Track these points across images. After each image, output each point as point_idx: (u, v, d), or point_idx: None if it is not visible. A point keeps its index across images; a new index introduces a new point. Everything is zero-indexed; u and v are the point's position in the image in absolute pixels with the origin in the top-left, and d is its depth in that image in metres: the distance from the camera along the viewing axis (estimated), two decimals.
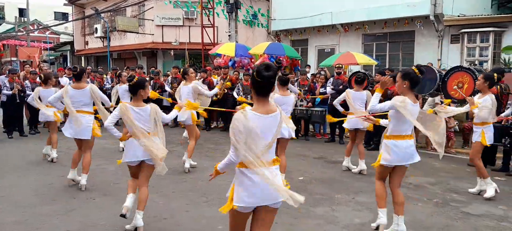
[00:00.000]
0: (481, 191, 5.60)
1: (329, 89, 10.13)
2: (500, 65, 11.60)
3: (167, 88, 11.59)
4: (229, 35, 15.80)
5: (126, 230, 4.16)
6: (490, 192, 5.41)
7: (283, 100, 5.66)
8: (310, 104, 10.27)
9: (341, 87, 9.78)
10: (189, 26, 20.64)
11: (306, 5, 15.92)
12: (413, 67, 3.93)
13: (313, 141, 10.19)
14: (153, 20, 20.87)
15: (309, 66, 14.46)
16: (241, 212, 2.68)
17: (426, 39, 13.71)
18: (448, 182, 6.28)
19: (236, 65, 12.27)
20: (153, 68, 14.85)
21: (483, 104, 5.43)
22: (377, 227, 4.21)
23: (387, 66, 13.76)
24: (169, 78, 12.07)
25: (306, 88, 10.40)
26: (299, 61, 13.42)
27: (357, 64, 12.49)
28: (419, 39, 13.90)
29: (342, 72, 10.51)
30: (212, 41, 17.32)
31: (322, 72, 11.46)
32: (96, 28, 23.15)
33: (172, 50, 20.19)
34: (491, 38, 12.46)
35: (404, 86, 3.90)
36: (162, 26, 20.88)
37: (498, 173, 6.87)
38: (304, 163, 7.57)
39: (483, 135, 5.46)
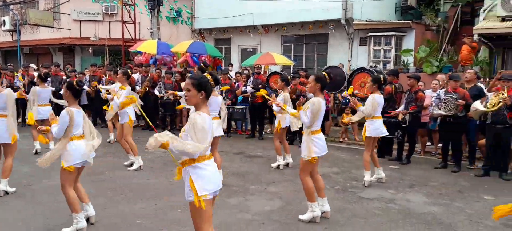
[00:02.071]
0: (379, 179, 6.38)
1: (249, 88, 10.65)
2: (401, 66, 12.99)
3: (86, 86, 11.25)
4: (151, 32, 15.67)
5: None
6: (367, 178, 6.18)
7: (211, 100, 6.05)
8: (231, 102, 10.68)
9: (260, 86, 10.37)
10: (109, 22, 19.96)
11: (228, 5, 16.30)
12: (324, 73, 4.68)
13: (235, 137, 10.62)
14: (70, 15, 19.85)
15: (232, 65, 14.90)
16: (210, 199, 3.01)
17: (338, 41, 14.84)
18: (350, 171, 7.05)
19: (158, 63, 12.28)
20: (69, 66, 14.24)
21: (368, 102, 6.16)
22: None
23: (303, 66, 14.68)
24: (87, 76, 11.72)
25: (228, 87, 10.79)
26: (222, 60, 13.79)
27: (276, 64, 13.18)
28: (332, 41, 15.00)
29: (262, 72, 11.12)
30: (133, 38, 16.99)
31: (246, 71, 11.97)
32: (4, 21, 21.34)
33: (90, 47, 19.40)
34: (393, 42, 13.87)
35: (317, 88, 4.55)
36: (80, 20, 19.93)
37: (393, 162, 7.85)
38: (224, 158, 7.90)
39: (365, 128, 6.17)
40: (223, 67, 13.12)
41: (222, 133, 6.05)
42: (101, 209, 4.90)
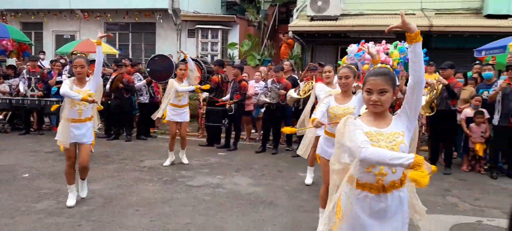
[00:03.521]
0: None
1: (65, 77, 9.43)
2: (227, 59, 13.49)
3: None
4: None
5: None
6: (168, 161, 6.66)
7: None
8: (41, 93, 9.26)
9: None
10: None
11: None
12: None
13: (48, 135, 9.23)
14: None
15: (44, 52, 13.03)
16: None
17: (166, 32, 14.53)
18: (179, 161, 6.86)
19: None
20: None
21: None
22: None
23: (130, 56, 13.86)
24: None
25: (38, 76, 9.32)
26: (30, 46, 11.90)
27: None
28: (160, 31, 14.60)
29: None
30: None
31: (62, 60, 10.59)
32: None
33: None
34: (220, 35, 14.31)
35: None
36: None
37: (222, 149, 8.03)
38: (33, 159, 6.80)
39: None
40: (32, 54, 11.30)
41: None
42: None
